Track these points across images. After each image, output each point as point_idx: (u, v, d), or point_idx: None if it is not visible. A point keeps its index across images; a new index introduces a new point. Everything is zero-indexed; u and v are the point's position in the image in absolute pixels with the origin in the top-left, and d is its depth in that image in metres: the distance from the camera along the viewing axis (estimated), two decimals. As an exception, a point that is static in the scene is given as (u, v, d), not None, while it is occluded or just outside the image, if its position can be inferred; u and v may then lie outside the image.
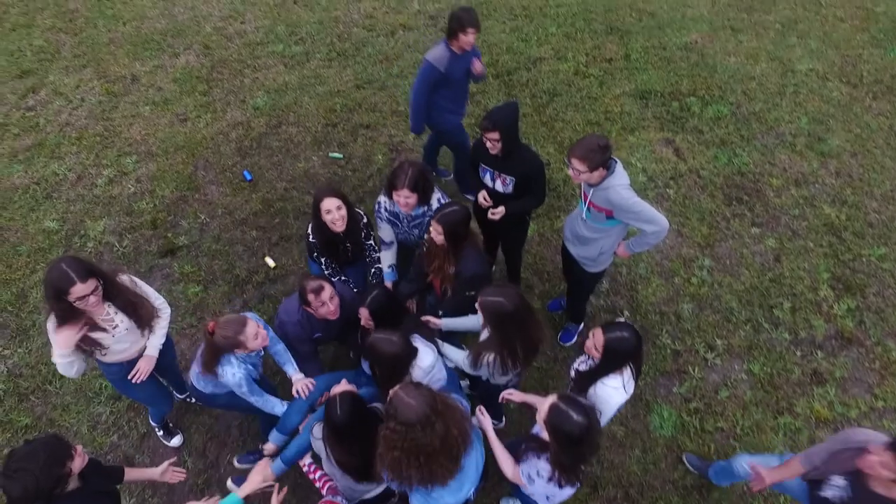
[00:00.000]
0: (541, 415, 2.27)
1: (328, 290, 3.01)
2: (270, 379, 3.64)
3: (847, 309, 4.32)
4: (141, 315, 2.86)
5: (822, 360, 4.07)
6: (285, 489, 2.68)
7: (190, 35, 6.74)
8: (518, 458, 2.57)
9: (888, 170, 5.26)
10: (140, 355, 3.02)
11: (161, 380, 3.50)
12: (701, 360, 4.09)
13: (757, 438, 3.73)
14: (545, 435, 2.30)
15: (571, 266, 3.68)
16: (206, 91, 6.05)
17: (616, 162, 3.04)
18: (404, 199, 3.28)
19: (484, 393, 3.27)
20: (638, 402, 3.88)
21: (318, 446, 2.70)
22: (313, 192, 3.56)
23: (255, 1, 7.23)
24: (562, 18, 6.95)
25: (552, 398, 2.28)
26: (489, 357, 2.77)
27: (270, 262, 4.62)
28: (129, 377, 2.99)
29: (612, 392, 2.54)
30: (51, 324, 2.67)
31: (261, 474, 2.64)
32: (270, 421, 3.27)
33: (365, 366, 3.32)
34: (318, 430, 2.69)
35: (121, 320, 2.82)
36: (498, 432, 2.79)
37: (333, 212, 3.25)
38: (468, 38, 3.86)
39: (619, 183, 3.02)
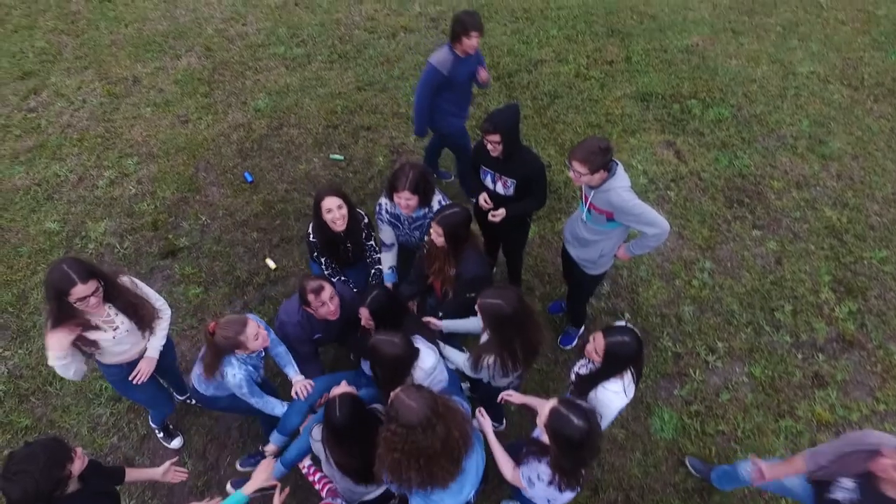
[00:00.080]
0: (541, 418, 2.27)
1: (328, 290, 3.00)
2: (271, 381, 3.63)
3: (848, 312, 4.31)
4: (142, 316, 2.86)
5: (823, 363, 4.06)
6: (287, 489, 2.69)
7: (191, 37, 6.75)
8: (518, 460, 2.57)
9: (889, 172, 5.25)
10: (140, 357, 3.02)
11: (161, 381, 3.50)
12: (702, 362, 4.08)
13: (758, 441, 3.72)
14: (546, 438, 2.29)
15: (572, 268, 3.67)
16: (208, 93, 6.06)
17: (617, 164, 3.03)
18: (405, 200, 3.28)
19: (484, 395, 3.27)
20: (639, 404, 3.87)
21: (318, 448, 2.70)
22: (314, 193, 3.56)
23: (257, 3, 7.24)
24: (563, 21, 6.96)
25: (553, 402, 2.27)
26: (489, 359, 2.77)
27: (271, 263, 4.62)
28: (130, 378, 2.99)
29: (613, 396, 2.54)
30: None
31: (265, 472, 2.68)
32: (271, 423, 3.27)
33: (365, 366, 3.32)
34: (317, 432, 2.69)
35: (121, 322, 2.82)
36: (498, 434, 2.79)
37: (334, 211, 3.25)
38: (471, 42, 3.87)
39: (620, 185, 3.01)
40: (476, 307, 2.71)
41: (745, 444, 3.70)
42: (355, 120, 5.76)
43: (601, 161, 2.91)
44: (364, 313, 3.07)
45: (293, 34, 6.77)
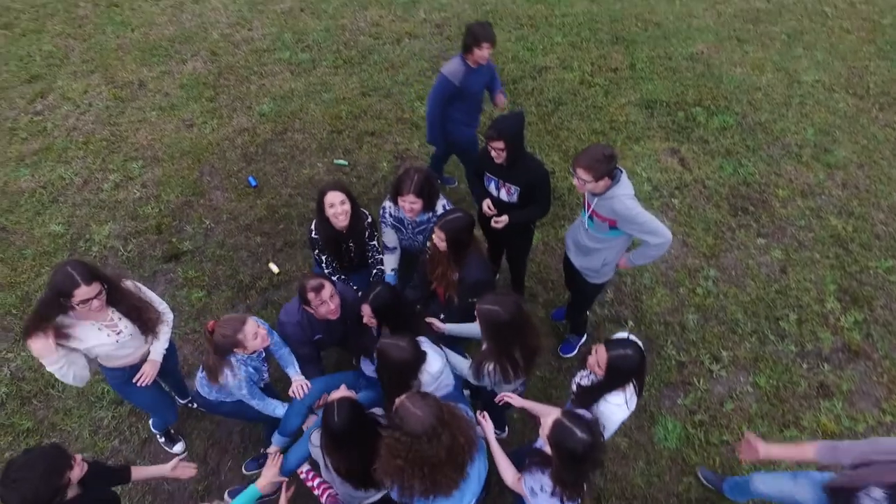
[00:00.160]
0: (544, 430, 2.25)
1: (328, 289, 2.97)
2: (274, 387, 3.62)
3: (854, 321, 4.28)
4: (145, 321, 2.86)
5: (828, 373, 4.03)
6: (293, 488, 2.74)
7: (197, 42, 6.79)
8: (521, 468, 2.54)
9: (895, 181, 5.23)
10: (142, 360, 3.02)
11: (163, 385, 3.49)
12: (706, 371, 4.06)
13: (763, 452, 3.68)
14: (548, 449, 2.28)
15: (574, 277, 3.66)
16: (213, 97, 6.09)
17: (621, 172, 3.02)
18: (409, 204, 3.28)
19: (487, 402, 3.25)
20: (642, 413, 3.84)
21: (317, 453, 2.68)
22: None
23: (263, 8, 7.29)
24: (567, 28, 6.98)
25: (556, 414, 2.25)
26: (489, 367, 2.76)
27: (274, 268, 4.62)
28: (134, 380, 2.98)
29: (615, 409, 2.51)
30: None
31: (275, 467, 2.75)
32: (274, 427, 3.26)
33: (365, 366, 3.29)
34: (316, 438, 2.67)
35: (125, 326, 2.82)
36: (500, 442, 2.77)
37: (337, 206, 3.24)
38: (483, 53, 3.88)
39: (624, 193, 3.00)
40: (475, 313, 2.70)
41: (750, 455, 3.66)
42: (360, 125, 5.78)
43: (605, 168, 2.90)
44: (366, 310, 3.01)
45: (298, 39, 6.80)
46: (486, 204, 3.56)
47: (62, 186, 5.23)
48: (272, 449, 3.21)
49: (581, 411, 2.44)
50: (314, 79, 6.30)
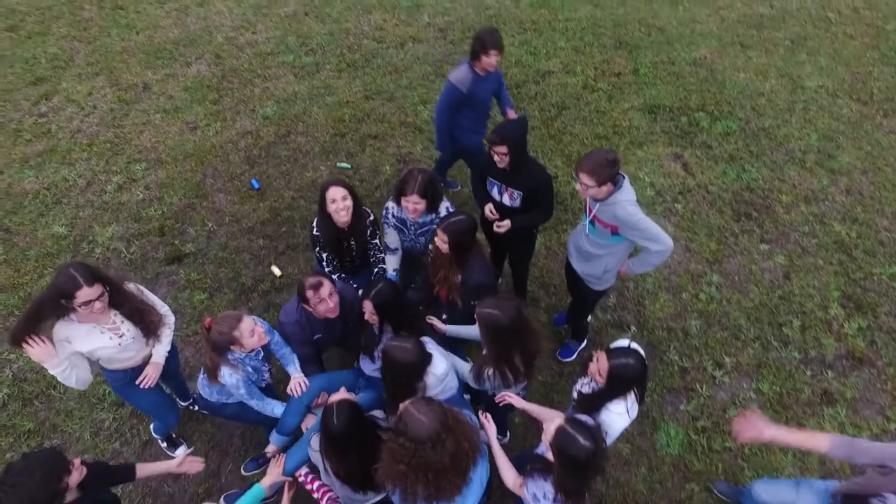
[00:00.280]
0: (547, 437, 2.23)
1: (327, 287, 2.95)
2: (276, 388, 3.62)
3: (858, 328, 4.26)
4: (147, 323, 2.85)
5: (832, 380, 4.01)
6: (294, 488, 2.76)
7: (202, 45, 6.81)
8: (522, 472, 2.53)
9: (899, 188, 5.22)
10: (144, 363, 3.01)
11: (165, 388, 3.48)
12: (709, 377, 4.04)
13: (766, 459, 3.66)
14: (551, 456, 2.26)
15: (576, 282, 3.65)
16: (217, 100, 6.10)
17: (624, 177, 3.02)
18: (413, 205, 3.27)
19: (488, 407, 3.24)
20: (644, 419, 3.82)
21: (316, 458, 2.67)
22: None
23: (267, 12, 7.32)
24: (571, 32, 6.99)
25: (558, 420, 2.23)
26: (489, 371, 2.75)
27: (276, 270, 4.62)
28: (137, 382, 2.98)
29: (616, 418, 2.50)
30: (56, 329, 2.66)
31: (279, 467, 2.77)
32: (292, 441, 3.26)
33: (364, 365, 3.26)
34: (315, 442, 2.65)
35: (127, 329, 2.82)
36: (502, 447, 2.75)
37: (339, 201, 3.23)
38: (490, 60, 3.88)
39: (626, 199, 2.99)
40: (475, 316, 2.69)
41: (753, 462, 3.64)
42: (363, 129, 5.78)
43: (608, 173, 2.89)
44: (367, 306, 2.96)
45: (302, 43, 6.83)
46: (489, 208, 3.56)
47: (66, 188, 5.24)
48: (270, 448, 3.20)
49: (583, 417, 2.43)
50: (318, 82, 6.31)
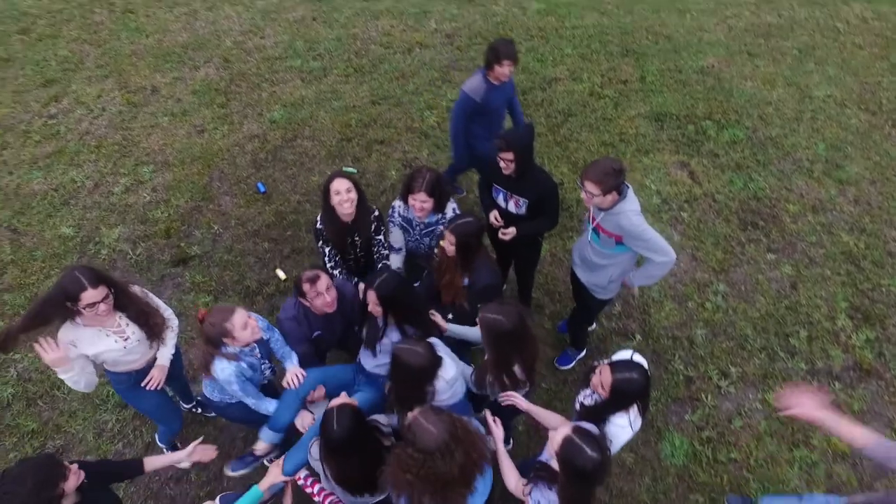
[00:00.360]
0: (553, 446, 2.21)
1: (324, 280, 2.91)
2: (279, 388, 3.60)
3: (866, 340, 4.22)
4: (152, 326, 2.86)
5: (839, 392, 3.97)
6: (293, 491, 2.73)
7: (210, 48, 6.86)
8: (525, 476, 2.50)
9: (908, 198, 5.18)
10: (148, 365, 3.01)
11: (168, 391, 3.48)
12: (714, 387, 4.01)
13: (771, 471, 3.62)
14: (555, 464, 2.24)
15: (580, 291, 3.63)
16: (224, 103, 6.14)
17: (628, 187, 3.01)
18: (420, 203, 3.26)
19: (493, 413, 3.20)
20: (649, 428, 3.79)
21: (316, 465, 2.63)
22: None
23: (275, 17, 7.36)
24: (577, 39, 7.00)
25: (564, 428, 2.21)
26: (490, 378, 2.73)
27: (281, 274, 4.63)
28: (143, 384, 2.97)
29: (619, 431, 2.48)
30: (62, 333, 2.67)
31: (278, 468, 2.71)
32: (286, 439, 3.18)
33: (365, 360, 3.17)
34: (315, 451, 2.61)
35: (132, 332, 2.82)
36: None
37: (343, 193, 3.21)
38: (504, 70, 3.89)
39: (631, 209, 2.98)
40: (477, 319, 2.67)
41: (758, 474, 3.61)
42: (369, 133, 5.80)
43: (614, 182, 2.88)
44: (371, 297, 2.88)
45: (310, 48, 6.86)
46: (493, 215, 3.55)
47: (73, 189, 5.27)
48: (260, 446, 3.10)
49: (588, 426, 2.41)
50: (325, 87, 6.34)
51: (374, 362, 3.14)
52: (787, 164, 5.50)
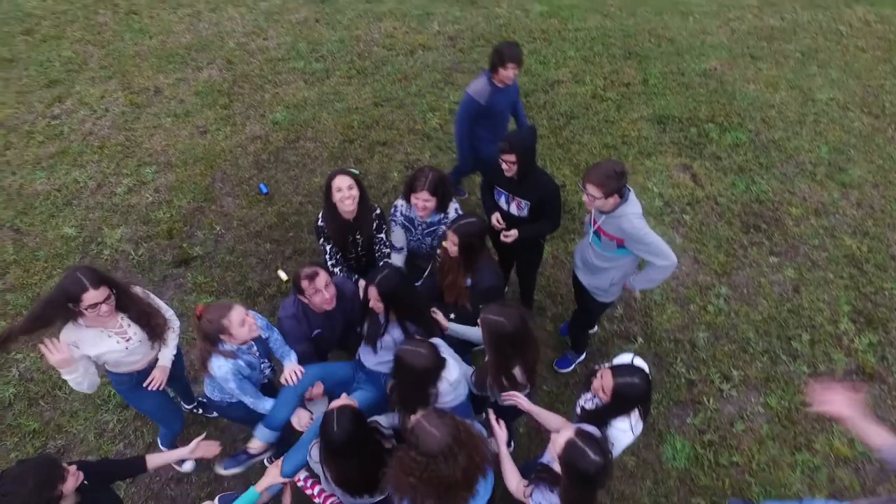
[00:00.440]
0: (556, 448, 2.20)
1: (323, 277, 2.89)
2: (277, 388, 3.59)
3: (868, 343, 4.21)
4: (153, 327, 2.86)
5: (841, 396, 3.95)
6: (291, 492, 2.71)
7: (213, 50, 6.88)
8: (527, 478, 2.50)
9: (911, 202, 5.17)
10: (150, 366, 3.01)
11: (169, 392, 3.48)
12: (716, 390, 4.00)
13: (773, 475, 3.61)
14: (557, 466, 2.24)
15: (582, 294, 3.63)
16: (227, 104, 6.15)
17: (630, 190, 3.00)
18: (422, 201, 3.25)
19: (495, 413, 3.19)
20: (650, 431, 3.78)
21: (317, 468, 2.62)
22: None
23: (279, 18, 7.38)
24: (580, 42, 7.00)
25: (567, 430, 2.20)
26: (490, 379, 2.72)
27: (283, 275, 4.63)
28: (145, 385, 2.97)
29: (620, 435, 2.47)
30: (63, 334, 2.67)
31: (276, 469, 2.68)
32: (282, 438, 3.16)
33: (365, 357, 3.13)
34: (315, 453, 2.59)
35: (134, 333, 2.83)
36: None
37: (344, 190, 3.20)
38: (508, 73, 3.90)
39: (633, 211, 2.98)
40: (479, 320, 2.66)
41: (760, 478, 3.60)
42: (371, 135, 5.80)
43: (616, 185, 2.88)
44: (372, 293, 2.84)
45: (313, 49, 6.87)
46: (495, 218, 3.55)
47: (76, 190, 5.28)
48: (255, 444, 3.02)
49: (591, 428, 2.40)
50: (327, 88, 6.35)
51: (375, 359, 3.10)
52: (790, 167, 5.49)
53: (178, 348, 3.25)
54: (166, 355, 3.04)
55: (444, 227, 3.43)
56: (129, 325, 2.81)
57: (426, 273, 3.68)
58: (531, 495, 2.40)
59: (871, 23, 7.45)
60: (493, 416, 2.70)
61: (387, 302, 2.87)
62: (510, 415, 2.94)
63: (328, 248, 3.46)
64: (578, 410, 2.72)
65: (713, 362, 4.13)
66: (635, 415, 2.49)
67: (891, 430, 3.50)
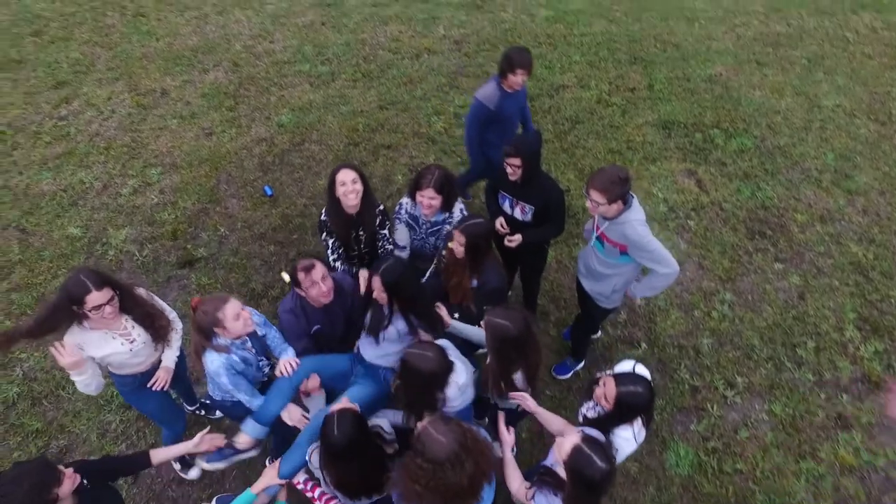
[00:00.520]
0: (562, 454, 2.18)
1: (319, 269, 2.85)
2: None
3: (874, 351, 4.18)
4: (157, 328, 2.86)
5: (847, 404, 3.93)
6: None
7: (220, 52, 6.91)
8: (530, 481, 2.48)
9: (918, 210, 5.14)
10: (153, 368, 3.01)
11: (172, 394, 3.48)
12: (720, 397, 3.97)
13: (778, 483, 3.58)
14: (561, 471, 2.22)
15: (585, 299, 3.62)
16: (233, 107, 6.17)
17: (633, 197, 2.99)
18: (428, 199, 3.24)
19: (494, 416, 3.18)
20: (654, 437, 3.76)
21: (318, 473, 2.60)
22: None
23: (285, 21, 7.41)
24: (586, 47, 7.01)
25: (575, 438, 2.19)
26: (490, 382, 2.71)
27: (287, 277, 4.58)
28: (150, 385, 2.97)
29: (623, 443, 2.46)
30: (68, 336, 2.68)
31: (273, 470, 2.66)
32: (284, 439, 3.13)
33: (365, 349, 3.07)
34: (315, 459, 2.56)
35: (138, 334, 2.83)
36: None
37: (348, 184, 3.19)
38: (517, 79, 3.91)
39: (636, 218, 2.97)
40: (483, 323, 2.64)
41: (764, 485, 3.57)
42: (376, 138, 5.81)
43: (620, 191, 2.87)
44: (377, 283, 2.79)
45: (319, 52, 6.90)
46: (499, 222, 3.54)
47: (82, 190, 5.31)
48: (242, 439, 2.87)
49: (595, 432, 2.39)
50: (333, 91, 6.37)
51: (377, 352, 3.04)
52: (796, 174, 5.47)
53: (181, 350, 3.25)
54: (170, 356, 3.04)
55: (448, 226, 3.42)
56: (134, 327, 2.81)
57: (428, 274, 3.66)
58: (533, 498, 2.38)
59: (877, 30, 7.43)
60: (502, 421, 2.67)
61: (390, 292, 2.82)
62: (513, 418, 2.93)
63: (330, 242, 3.43)
64: (581, 419, 2.70)
65: (717, 369, 4.11)
66: (638, 423, 2.48)
67: (881, 441, 3.48)
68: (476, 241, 3.00)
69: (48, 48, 6.96)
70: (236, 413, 3.10)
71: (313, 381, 2.98)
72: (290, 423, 2.87)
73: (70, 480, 2.23)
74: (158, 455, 2.68)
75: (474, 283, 3.16)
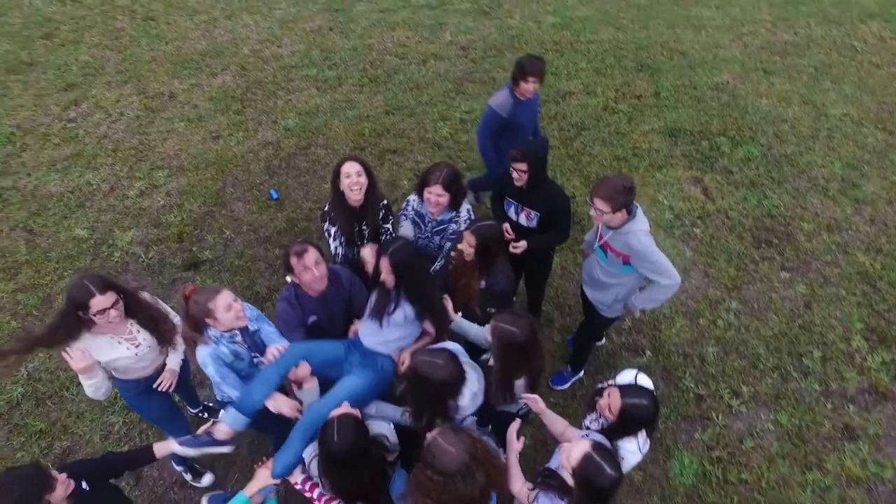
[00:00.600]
0: (570, 461, 2.16)
1: (312, 254, 2.79)
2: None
3: (881, 362, 4.14)
4: (162, 332, 2.86)
5: (854, 415, 3.89)
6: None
7: (228, 56, 6.96)
8: (533, 482, 2.46)
9: (926, 219, 5.11)
10: (157, 372, 3.01)
11: (175, 398, 3.48)
12: (725, 406, 3.94)
13: (783, 494, 3.54)
14: (565, 474, 2.20)
15: (589, 308, 3.61)
16: (240, 110, 6.21)
17: (638, 206, 2.98)
18: (435, 196, 3.21)
19: (495, 422, 3.16)
20: (658, 446, 3.73)
21: (317, 479, 2.58)
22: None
23: (293, 26, 7.46)
24: (592, 54, 7.02)
25: (584, 446, 2.16)
26: (493, 386, 2.70)
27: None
28: (155, 385, 2.97)
29: (629, 455, 2.43)
30: (75, 342, 2.68)
31: (267, 470, 2.60)
32: (283, 440, 3.12)
33: (365, 335, 2.97)
34: (314, 468, 2.51)
35: (143, 339, 2.83)
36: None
37: (353, 176, 3.17)
38: (528, 87, 3.93)
39: (640, 228, 2.95)
40: (489, 327, 2.62)
41: (770, 497, 3.53)
42: (382, 143, 5.83)
43: (624, 200, 2.86)
44: (384, 265, 2.70)
45: (326, 57, 6.94)
46: (505, 228, 3.53)
47: (89, 192, 5.34)
48: (221, 428, 2.63)
49: (601, 438, 2.37)
50: (339, 96, 6.40)
51: (378, 337, 2.91)
52: (803, 182, 5.45)
53: (185, 353, 3.26)
54: (175, 360, 3.04)
55: (453, 226, 3.41)
56: (139, 331, 2.82)
57: (432, 271, 3.63)
58: (536, 499, 2.36)
59: (885, 39, 7.41)
60: (514, 430, 2.60)
61: (398, 273, 2.72)
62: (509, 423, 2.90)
63: (333, 230, 3.37)
64: (584, 431, 2.68)
65: (722, 377, 4.08)
66: (642, 434, 2.46)
67: (887, 452, 3.43)
68: (486, 243, 2.97)
69: (58, 51, 7.03)
70: None
71: (303, 369, 2.76)
72: (274, 410, 2.67)
73: (63, 486, 2.20)
74: (162, 449, 2.65)
75: (482, 283, 3.14)
